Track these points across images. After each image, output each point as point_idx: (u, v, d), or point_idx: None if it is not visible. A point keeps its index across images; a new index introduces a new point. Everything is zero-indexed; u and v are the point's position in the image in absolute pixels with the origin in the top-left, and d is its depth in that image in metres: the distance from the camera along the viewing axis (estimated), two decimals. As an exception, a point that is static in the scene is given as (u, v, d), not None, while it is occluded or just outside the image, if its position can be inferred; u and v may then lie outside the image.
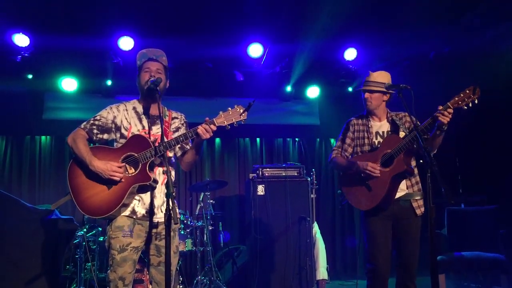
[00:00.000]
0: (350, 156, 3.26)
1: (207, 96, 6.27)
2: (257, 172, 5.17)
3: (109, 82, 5.90)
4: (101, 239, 4.70)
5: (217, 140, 6.70)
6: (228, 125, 2.44)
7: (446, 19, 5.09)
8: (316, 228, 5.20)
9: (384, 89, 3.08)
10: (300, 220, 5.02)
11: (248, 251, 5.33)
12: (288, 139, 6.92)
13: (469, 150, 5.94)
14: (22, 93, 5.82)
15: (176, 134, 2.64)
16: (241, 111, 2.44)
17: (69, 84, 5.87)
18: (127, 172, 2.47)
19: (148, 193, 2.54)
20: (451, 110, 2.68)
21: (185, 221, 4.91)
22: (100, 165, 2.41)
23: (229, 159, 6.71)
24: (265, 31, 5.39)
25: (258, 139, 6.86)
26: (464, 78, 5.08)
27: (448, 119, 2.69)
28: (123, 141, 2.57)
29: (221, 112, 2.46)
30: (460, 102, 2.68)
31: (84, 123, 2.61)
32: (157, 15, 4.96)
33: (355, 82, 6.39)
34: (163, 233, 2.53)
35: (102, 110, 2.67)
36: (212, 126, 2.43)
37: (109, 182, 2.43)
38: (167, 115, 2.71)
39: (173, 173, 2.65)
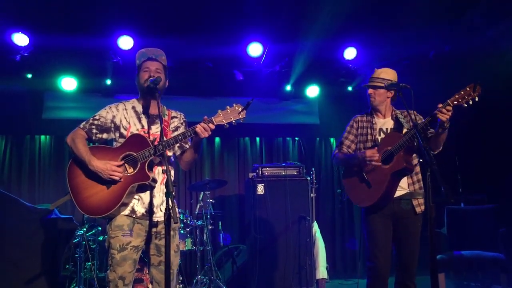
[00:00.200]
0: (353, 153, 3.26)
1: (207, 95, 6.27)
2: (257, 171, 5.17)
3: (108, 82, 5.89)
4: (101, 239, 4.70)
5: (217, 139, 6.70)
6: (227, 123, 2.44)
7: (446, 18, 5.09)
8: (316, 227, 5.20)
9: (393, 87, 3.07)
10: (300, 219, 5.02)
11: (247, 250, 5.33)
12: (288, 138, 6.92)
13: (469, 149, 5.94)
14: (21, 93, 5.82)
15: (175, 133, 2.63)
16: (240, 109, 2.44)
17: (68, 83, 5.86)
18: (126, 172, 2.47)
19: (148, 193, 2.54)
20: (450, 108, 2.67)
21: (184, 221, 4.91)
22: (99, 164, 2.41)
23: (228, 158, 6.70)
24: (264, 31, 5.39)
25: (258, 138, 6.86)
26: (464, 77, 5.05)
27: (448, 117, 2.68)
28: (122, 140, 2.57)
29: (219, 111, 2.45)
30: (460, 100, 2.65)
31: (83, 123, 2.61)
32: (156, 14, 4.96)
33: (354, 82, 6.40)
34: (163, 232, 2.52)
35: (101, 109, 2.66)
36: (210, 124, 2.42)
37: (108, 182, 2.43)
38: (166, 114, 2.70)
39: (172, 172, 2.64)
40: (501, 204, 4.86)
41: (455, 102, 2.66)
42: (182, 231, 4.84)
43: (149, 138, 2.55)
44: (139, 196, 2.53)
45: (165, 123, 2.66)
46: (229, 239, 5.49)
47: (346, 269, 6.56)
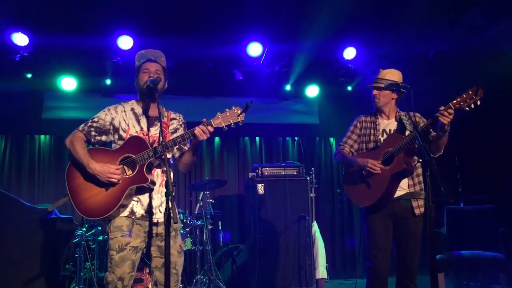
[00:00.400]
0: (355, 152, 3.27)
1: (207, 95, 6.27)
2: (257, 171, 5.17)
3: (108, 81, 5.90)
4: (101, 238, 4.70)
5: (217, 139, 6.70)
6: (226, 126, 2.43)
7: (446, 18, 5.08)
8: (315, 227, 5.20)
9: (392, 88, 3.06)
10: (300, 219, 5.02)
11: (247, 250, 5.33)
12: (288, 138, 6.92)
13: (469, 149, 5.93)
14: (21, 93, 5.82)
15: (175, 135, 2.62)
16: (239, 112, 2.43)
17: (68, 83, 5.86)
18: (124, 174, 2.47)
19: (146, 195, 2.54)
20: (451, 111, 2.66)
21: (184, 220, 4.91)
22: (98, 167, 2.41)
23: (228, 158, 6.71)
24: (264, 30, 5.39)
25: (257, 138, 6.86)
26: (464, 77, 5.06)
27: (449, 120, 2.67)
28: (121, 142, 2.57)
29: (218, 113, 2.44)
30: (462, 103, 2.63)
31: (82, 125, 2.61)
32: (156, 14, 4.96)
33: (354, 81, 6.40)
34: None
35: (100, 112, 2.66)
36: (209, 127, 2.41)
37: (106, 184, 2.43)
38: (165, 116, 2.69)
39: (171, 174, 2.64)
40: (501, 204, 4.86)
41: (457, 106, 2.65)
42: (182, 231, 4.84)
43: (148, 140, 2.54)
44: (138, 198, 2.53)
45: (164, 125, 2.64)
46: (228, 236, 5.49)
47: (345, 269, 6.57)
